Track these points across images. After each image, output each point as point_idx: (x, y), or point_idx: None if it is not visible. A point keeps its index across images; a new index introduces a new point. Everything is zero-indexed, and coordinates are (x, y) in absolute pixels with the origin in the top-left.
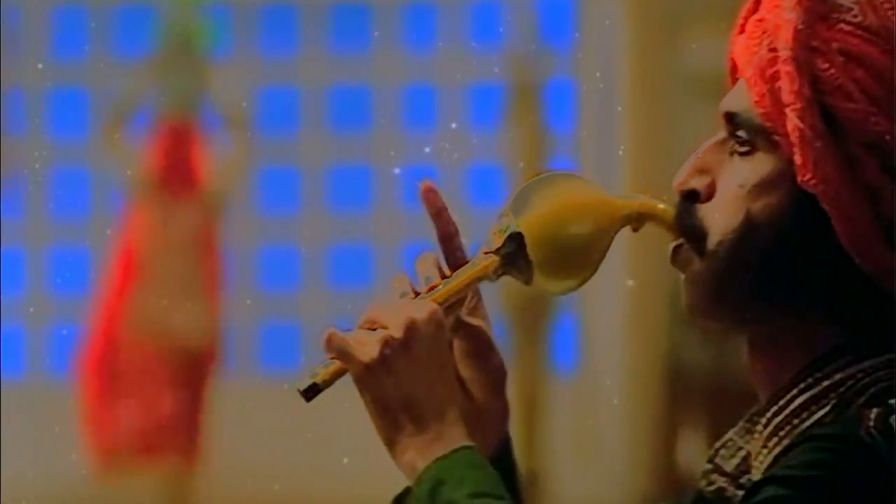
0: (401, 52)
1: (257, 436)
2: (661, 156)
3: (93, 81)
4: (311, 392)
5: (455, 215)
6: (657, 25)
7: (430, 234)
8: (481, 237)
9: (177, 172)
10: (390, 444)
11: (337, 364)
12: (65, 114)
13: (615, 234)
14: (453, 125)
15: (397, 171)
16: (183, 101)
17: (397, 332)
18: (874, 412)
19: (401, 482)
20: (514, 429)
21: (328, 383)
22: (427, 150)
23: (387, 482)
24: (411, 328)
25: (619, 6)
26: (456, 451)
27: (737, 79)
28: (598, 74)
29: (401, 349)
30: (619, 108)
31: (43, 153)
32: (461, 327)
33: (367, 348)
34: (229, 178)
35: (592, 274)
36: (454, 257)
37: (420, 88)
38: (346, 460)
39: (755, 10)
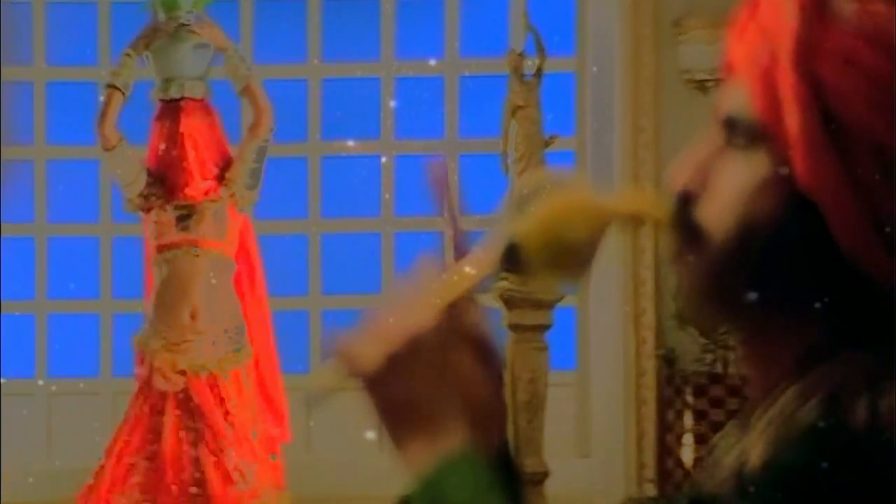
0: (401, 43)
1: None
2: (658, 151)
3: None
4: (316, 396)
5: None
6: (654, 23)
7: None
8: (479, 233)
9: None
10: (395, 446)
11: (342, 368)
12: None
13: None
14: (450, 117)
15: (393, 161)
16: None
17: (401, 337)
18: (864, 404)
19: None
20: (514, 429)
21: (333, 388)
22: (424, 140)
23: (388, 482)
24: (415, 332)
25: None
26: (457, 452)
27: (733, 79)
28: (595, 70)
29: (405, 354)
30: (617, 104)
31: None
32: (460, 328)
33: (372, 353)
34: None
35: (588, 272)
36: (459, 252)
37: (419, 80)
38: (347, 459)
39: (753, 12)
